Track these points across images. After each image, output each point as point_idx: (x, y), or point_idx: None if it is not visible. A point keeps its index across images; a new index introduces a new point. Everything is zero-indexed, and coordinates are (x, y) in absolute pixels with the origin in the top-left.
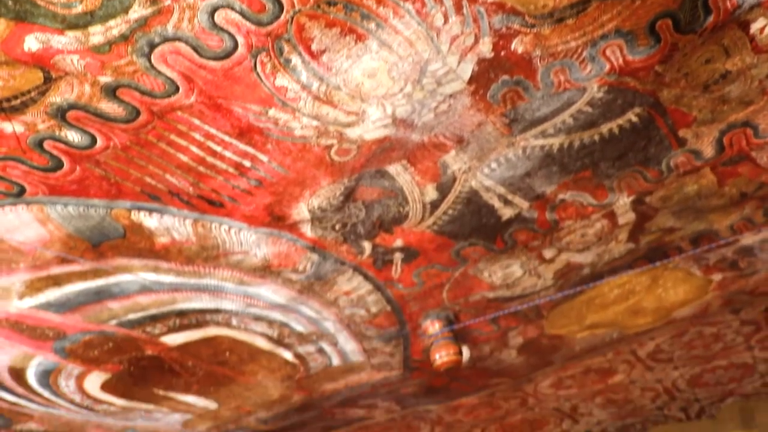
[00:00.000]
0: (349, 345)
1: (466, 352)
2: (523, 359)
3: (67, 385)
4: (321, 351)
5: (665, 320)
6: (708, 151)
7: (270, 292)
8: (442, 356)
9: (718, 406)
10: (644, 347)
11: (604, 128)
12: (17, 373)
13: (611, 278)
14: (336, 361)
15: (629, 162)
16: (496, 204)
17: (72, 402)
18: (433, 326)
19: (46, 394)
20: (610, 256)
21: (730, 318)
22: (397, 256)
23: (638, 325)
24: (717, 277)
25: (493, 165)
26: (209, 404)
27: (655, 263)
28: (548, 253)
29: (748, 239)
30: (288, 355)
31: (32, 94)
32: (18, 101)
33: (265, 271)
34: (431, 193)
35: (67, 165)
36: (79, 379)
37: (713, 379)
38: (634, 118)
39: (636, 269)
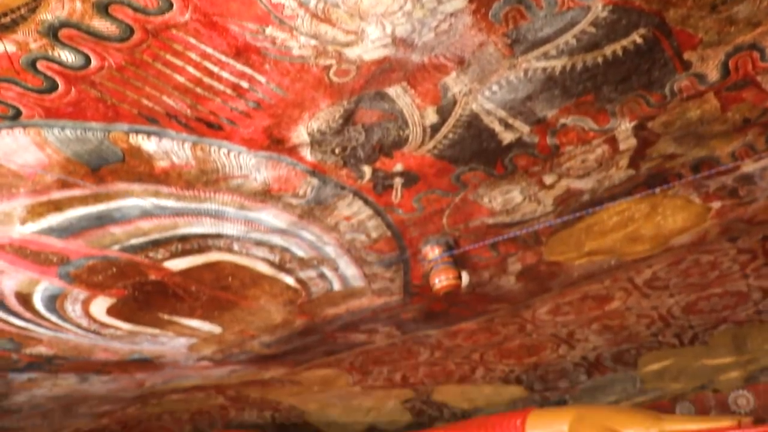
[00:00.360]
0: (350, 270)
1: (465, 277)
2: (522, 285)
3: (73, 309)
4: (322, 276)
5: (663, 248)
6: (713, 74)
7: (270, 216)
8: (441, 281)
9: (712, 332)
10: (641, 275)
11: (608, 50)
12: (24, 298)
13: (611, 204)
14: (337, 286)
15: (632, 86)
16: (497, 128)
17: (79, 326)
18: (432, 251)
19: (53, 318)
20: (610, 182)
21: (727, 246)
22: (397, 181)
23: (636, 252)
24: (716, 204)
25: (494, 88)
26: (213, 329)
27: (655, 190)
28: (548, 179)
29: (749, 166)
30: (289, 280)
31: (22, 11)
32: (8, 18)
33: (266, 195)
34: (431, 117)
35: (62, 86)
36: (85, 303)
37: (708, 306)
38: (639, 40)
39: (636, 195)
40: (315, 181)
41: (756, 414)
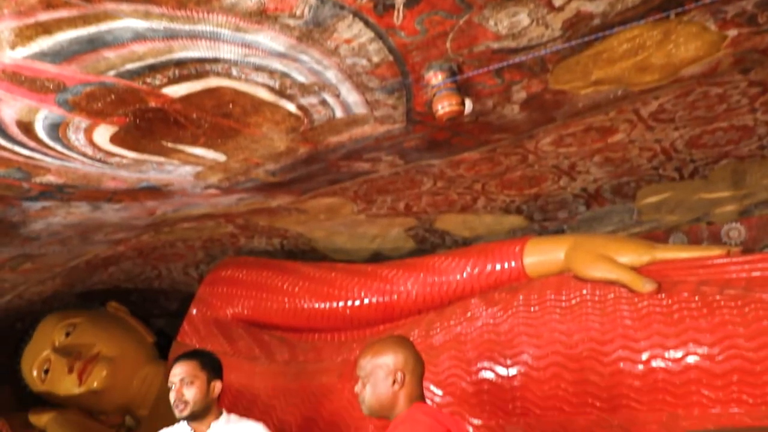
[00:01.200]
0: (352, 97)
1: (468, 104)
2: (526, 115)
3: (77, 138)
4: (324, 103)
5: (672, 78)
6: None
7: (268, 39)
8: (444, 107)
9: (712, 167)
10: (647, 106)
11: None
12: (26, 127)
13: (622, 29)
14: (339, 113)
15: None
16: None
17: (85, 155)
18: (435, 77)
19: (58, 147)
20: (623, 5)
21: (738, 78)
22: (399, 1)
23: (644, 82)
24: (732, 32)
25: None
26: (218, 157)
27: (670, 13)
28: (557, 1)
29: None
30: (291, 107)
31: None
32: None
33: (261, 16)
34: None
35: None
36: (88, 132)
37: (711, 140)
38: None
39: (649, 19)
40: (312, 0)
41: (746, 245)
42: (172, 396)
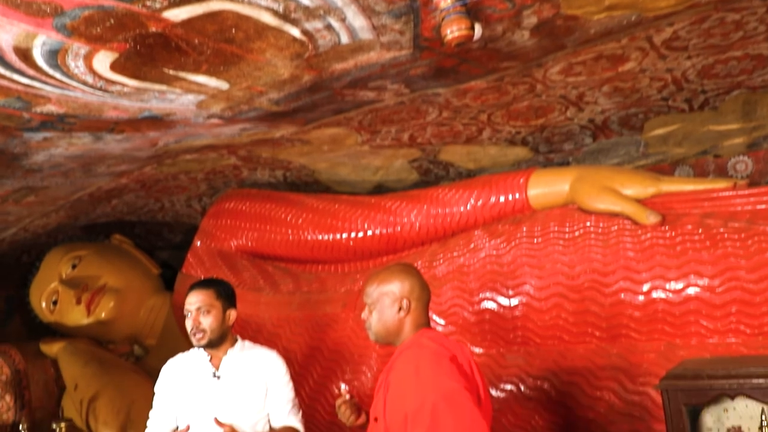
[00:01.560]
0: (358, 21)
1: (477, 29)
2: (535, 42)
3: (76, 65)
4: (329, 28)
5: (688, 3)
6: None
7: None
8: (453, 31)
9: (723, 98)
10: (661, 33)
11: None
12: (24, 54)
13: None
14: (345, 38)
15: None
16: None
17: (85, 83)
18: (445, 0)
19: (57, 75)
20: None
21: (756, 4)
22: None
23: (659, 7)
24: None
25: None
26: (220, 84)
27: None
28: None
29: None
30: (295, 32)
31: None
32: None
33: None
34: None
35: None
36: (87, 59)
37: (724, 70)
38: None
39: None
40: None
41: (752, 178)
42: (188, 324)
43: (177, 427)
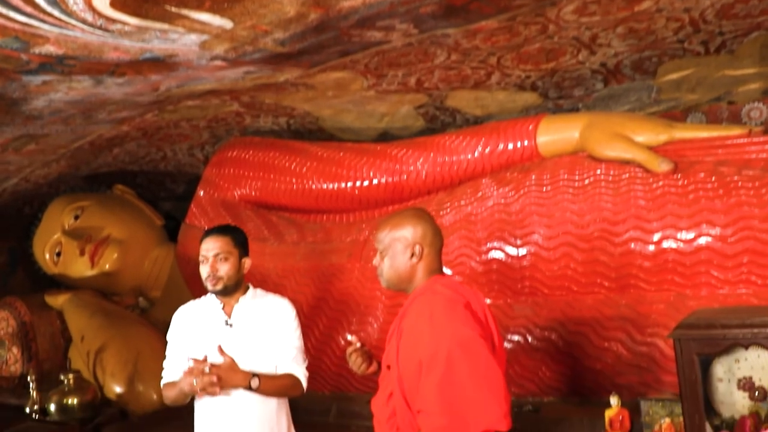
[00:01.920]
0: None
1: None
2: None
3: (75, 2)
4: None
5: None
6: None
7: None
8: None
9: (741, 40)
10: None
11: None
12: None
13: None
14: None
15: None
16: None
17: (84, 21)
18: None
19: (55, 13)
20: None
21: None
22: None
23: None
24: None
25: None
26: (224, 23)
27: None
28: None
29: None
30: None
31: None
32: None
33: None
34: None
35: None
36: None
37: (744, 10)
38: None
39: None
40: None
41: (767, 125)
42: (204, 270)
43: None
